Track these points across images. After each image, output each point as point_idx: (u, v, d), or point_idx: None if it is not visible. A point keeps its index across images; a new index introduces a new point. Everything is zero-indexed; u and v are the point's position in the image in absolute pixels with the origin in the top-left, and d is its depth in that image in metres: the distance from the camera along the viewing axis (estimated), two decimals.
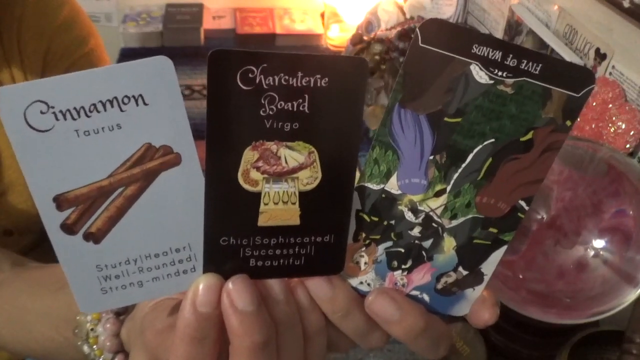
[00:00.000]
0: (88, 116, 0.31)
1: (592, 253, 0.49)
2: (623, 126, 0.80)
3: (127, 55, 1.63)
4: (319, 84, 0.32)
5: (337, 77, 0.33)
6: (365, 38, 1.32)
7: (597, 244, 0.49)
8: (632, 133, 0.79)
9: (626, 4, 0.81)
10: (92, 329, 0.49)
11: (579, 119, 0.84)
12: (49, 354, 0.57)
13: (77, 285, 0.35)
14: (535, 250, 0.49)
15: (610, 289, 0.49)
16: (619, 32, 0.85)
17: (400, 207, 0.37)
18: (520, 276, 0.50)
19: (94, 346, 0.49)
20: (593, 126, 0.83)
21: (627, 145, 0.80)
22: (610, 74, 0.85)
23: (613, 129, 0.81)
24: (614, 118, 0.81)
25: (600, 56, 0.88)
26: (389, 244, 0.38)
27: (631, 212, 0.49)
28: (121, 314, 0.49)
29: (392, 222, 0.37)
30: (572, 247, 0.49)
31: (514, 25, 1.10)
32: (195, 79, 1.54)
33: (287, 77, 0.32)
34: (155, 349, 0.38)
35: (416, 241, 0.37)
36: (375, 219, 0.37)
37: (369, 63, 1.23)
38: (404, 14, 1.36)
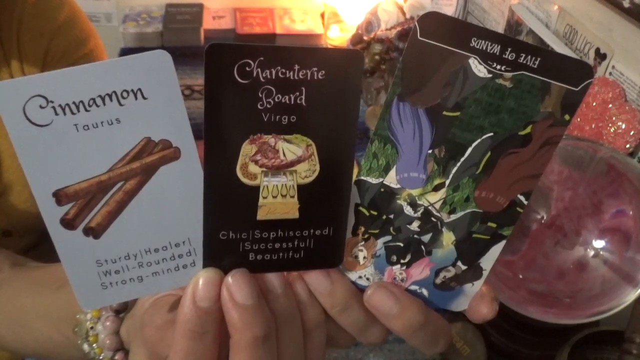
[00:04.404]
0: (87, 110, 0.31)
1: (592, 253, 0.49)
2: (623, 126, 0.80)
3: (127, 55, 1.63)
4: (315, 77, 0.32)
5: (334, 69, 0.33)
6: (365, 38, 1.32)
7: (597, 244, 0.49)
8: (632, 133, 0.79)
9: (626, 4, 0.81)
10: (91, 327, 0.49)
11: (579, 119, 0.85)
12: (49, 353, 0.57)
13: (77, 281, 0.35)
14: (535, 250, 0.49)
15: (610, 289, 0.49)
16: (619, 32, 0.85)
17: (399, 201, 0.37)
18: (520, 276, 0.50)
19: (94, 344, 0.49)
20: (593, 126, 0.83)
21: (627, 145, 0.79)
22: (610, 74, 0.85)
23: (613, 129, 0.81)
24: (614, 118, 0.81)
25: (600, 56, 0.88)
26: (388, 238, 0.38)
27: (631, 212, 0.49)
28: (120, 311, 0.49)
29: (391, 216, 0.37)
30: (572, 247, 0.49)
31: (514, 25, 1.10)
32: (195, 79, 1.54)
33: (284, 70, 0.32)
34: (156, 344, 0.38)
35: (415, 235, 0.37)
36: (374, 213, 0.37)
37: (368, 63, 1.23)
38: (404, 14, 1.36)
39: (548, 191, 0.51)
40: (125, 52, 1.67)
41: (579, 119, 0.85)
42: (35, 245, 0.93)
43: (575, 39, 0.94)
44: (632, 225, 0.49)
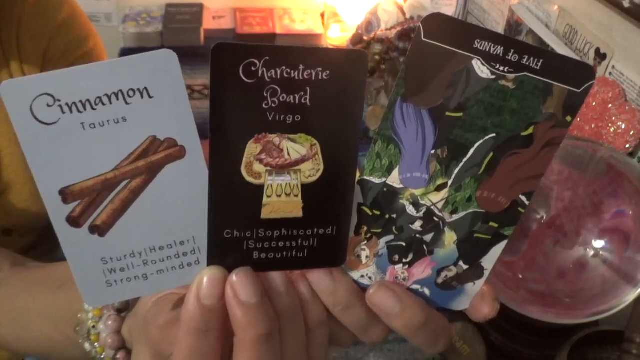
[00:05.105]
0: (94, 109, 0.31)
1: (592, 253, 0.49)
2: (623, 126, 0.80)
3: (127, 55, 1.63)
4: (320, 77, 0.33)
5: (338, 69, 0.33)
6: (365, 38, 1.33)
7: (597, 244, 0.49)
8: (632, 133, 0.79)
9: (626, 4, 0.81)
10: (93, 327, 0.49)
11: (579, 119, 0.85)
12: (50, 352, 0.57)
13: (82, 278, 0.35)
14: (535, 250, 0.49)
15: (610, 289, 0.49)
16: (619, 32, 0.86)
17: (401, 201, 0.37)
18: (520, 276, 0.50)
19: (96, 343, 0.49)
20: (593, 126, 0.84)
21: (627, 145, 0.80)
22: (610, 74, 0.85)
23: (613, 129, 0.81)
24: (614, 118, 0.81)
25: (600, 56, 0.88)
26: (390, 237, 0.38)
27: (631, 212, 0.49)
28: (122, 310, 0.49)
29: (394, 215, 0.37)
30: (572, 247, 0.49)
31: (514, 25, 1.10)
32: (195, 79, 1.54)
33: (289, 70, 0.32)
34: (159, 343, 0.38)
35: (417, 235, 0.38)
36: (377, 212, 0.37)
37: (369, 63, 1.23)
38: (404, 14, 1.37)
39: (548, 191, 0.51)
40: (125, 52, 1.67)
41: (578, 119, 0.85)
42: (35, 245, 0.93)
43: (575, 39, 0.94)
44: (632, 225, 0.49)
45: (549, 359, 0.81)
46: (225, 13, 1.83)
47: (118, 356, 0.48)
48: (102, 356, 0.49)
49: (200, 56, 1.63)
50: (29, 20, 0.84)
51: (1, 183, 0.83)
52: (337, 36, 1.70)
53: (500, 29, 1.16)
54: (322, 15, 1.83)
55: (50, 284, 0.56)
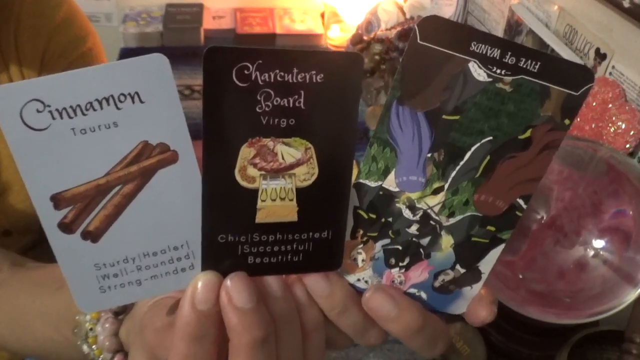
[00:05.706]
0: (84, 114, 0.31)
1: (592, 253, 0.49)
2: (623, 126, 0.80)
3: (127, 55, 1.63)
4: (314, 80, 0.32)
5: (333, 72, 0.33)
6: (365, 38, 1.32)
7: (597, 244, 0.49)
8: (632, 133, 0.79)
9: (626, 4, 0.81)
10: (91, 329, 0.49)
11: (578, 119, 0.84)
12: (49, 353, 0.57)
13: (76, 284, 0.35)
14: (535, 250, 0.49)
15: (610, 289, 0.49)
16: (619, 32, 0.85)
17: (398, 205, 0.37)
18: (520, 276, 0.50)
19: (93, 346, 0.49)
20: (593, 126, 0.83)
21: (627, 145, 0.79)
22: (610, 74, 0.85)
23: (613, 129, 0.81)
24: (614, 118, 0.81)
25: (600, 56, 0.88)
26: (387, 241, 0.38)
27: (631, 212, 0.49)
28: (120, 313, 0.49)
29: (390, 219, 0.37)
30: (572, 247, 0.49)
31: (514, 25, 1.10)
32: (195, 79, 1.54)
33: (282, 74, 0.32)
34: (155, 347, 0.38)
35: (414, 239, 0.37)
36: (373, 216, 0.37)
37: (368, 63, 1.23)
38: (404, 14, 1.37)
39: (548, 191, 0.51)
40: (125, 52, 1.67)
41: (578, 119, 0.84)
42: (35, 245, 0.93)
43: (575, 39, 0.94)
44: (632, 225, 0.49)
45: (549, 359, 0.81)
46: (225, 13, 1.84)
47: (115, 359, 0.48)
48: (100, 358, 0.49)
49: (201, 56, 1.63)
50: (28, 19, 0.84)
51: (0, 184, 0.83)
52: (337, 36, 1.71)
53: (500, 29, 1.16)
54: (322, 15, 1.84)
55: (50, 285, 0.56)
